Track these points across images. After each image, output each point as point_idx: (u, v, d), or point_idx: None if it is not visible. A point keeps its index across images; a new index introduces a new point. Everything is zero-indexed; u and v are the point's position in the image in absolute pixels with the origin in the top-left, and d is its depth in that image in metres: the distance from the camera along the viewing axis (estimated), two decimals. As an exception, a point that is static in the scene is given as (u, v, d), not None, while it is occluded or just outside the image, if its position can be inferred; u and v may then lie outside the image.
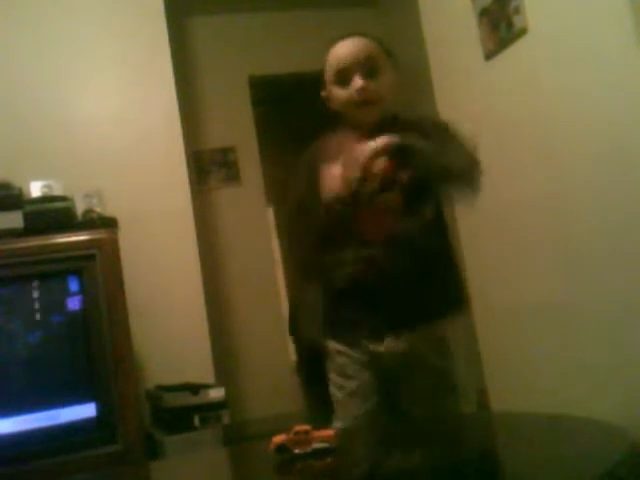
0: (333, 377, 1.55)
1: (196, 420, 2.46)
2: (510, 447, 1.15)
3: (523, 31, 2.35)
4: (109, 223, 2.55)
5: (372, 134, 1.43)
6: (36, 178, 2.71)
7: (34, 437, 2.21)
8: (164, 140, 3.06)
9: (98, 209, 2.69)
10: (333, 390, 1.55)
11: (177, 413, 2.49)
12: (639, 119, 1.95)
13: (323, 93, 1.64)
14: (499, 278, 2.68)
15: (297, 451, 1.05)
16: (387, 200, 1.45)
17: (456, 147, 1.48)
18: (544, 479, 0.93)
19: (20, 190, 2.59)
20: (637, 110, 1.95)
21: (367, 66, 1.54)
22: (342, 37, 1.60)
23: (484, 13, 2.55)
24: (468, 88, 2.74)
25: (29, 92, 2.90)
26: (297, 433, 1.05)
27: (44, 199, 2.59)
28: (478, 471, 0.98)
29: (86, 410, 2.28)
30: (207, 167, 3.92)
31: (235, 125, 3.97)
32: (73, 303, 2.34)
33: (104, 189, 2.79)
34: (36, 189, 2.69)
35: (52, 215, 2.47)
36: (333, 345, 1.54)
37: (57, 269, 2.35)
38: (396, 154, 1.39)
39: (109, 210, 2.71)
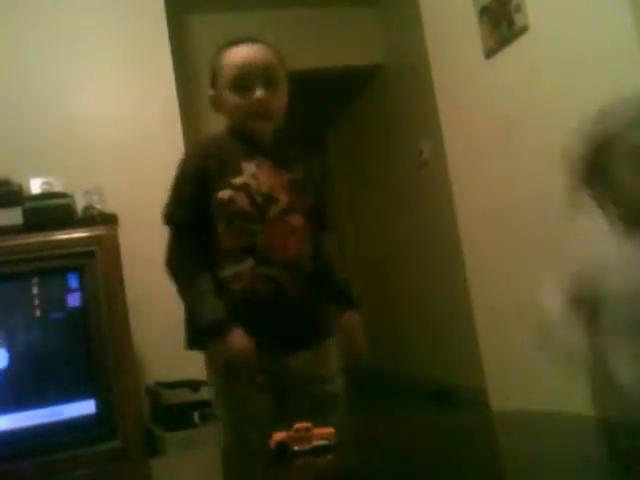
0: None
1: (196, 417, 2.47)
2: (510, 446, 1.15)
3: (524, 29, 2.35)
4: (109, 220, 2.56)
5: (260, 149, 1.48)
6: (36, 175, 2.71)
7: (34, 433, 2.21)
8: (164, 137, 3.05)
9: (98, 206, 2.69)
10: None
11: (177, 410, 2.50)
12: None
13: (210, 92, 1.56)
14: (499, 278, 2.68)
15: (297, 448, 1.05)
16: (291, 222, 1.48)
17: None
18: (544, 478, 0.93)
19: (20, 187, 2.59)
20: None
21: (267, 76, 1.48)
22: (240, 40, 1.53)
23: (485, 11, 2.55)
24: (469, 86, 2.74)
25: (29, 89, 2.90)
26: (297, 430, 1.05)
27: (44, 196, 2.60)
28: (478, 470, 0.98)
29: (86, 407, 2.28)
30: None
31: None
32: (73, 300, 2.35)
33: (104, 186, 2.79)
34: (36, 186, 2.69)
35: (52, 212, 2.48)
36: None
37: (57, 266, 2.35)
38: (295, 187, 1.47)
39: (109, 207, 2.71)
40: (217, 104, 1.55)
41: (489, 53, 2.56)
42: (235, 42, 1.53)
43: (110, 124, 2.98)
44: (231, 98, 1.49)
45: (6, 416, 2.22)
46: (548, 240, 2.37)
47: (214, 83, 1.55)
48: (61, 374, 2.32)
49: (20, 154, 2.78)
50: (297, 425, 1.05)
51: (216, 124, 4.38)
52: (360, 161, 5.27)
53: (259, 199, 1.44)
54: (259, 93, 1.46)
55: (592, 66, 2.11)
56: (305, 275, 1.50)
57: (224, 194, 1.43)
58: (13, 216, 2.43)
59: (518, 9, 2.35)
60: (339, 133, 5.66)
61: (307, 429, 1.05)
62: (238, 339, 1.39)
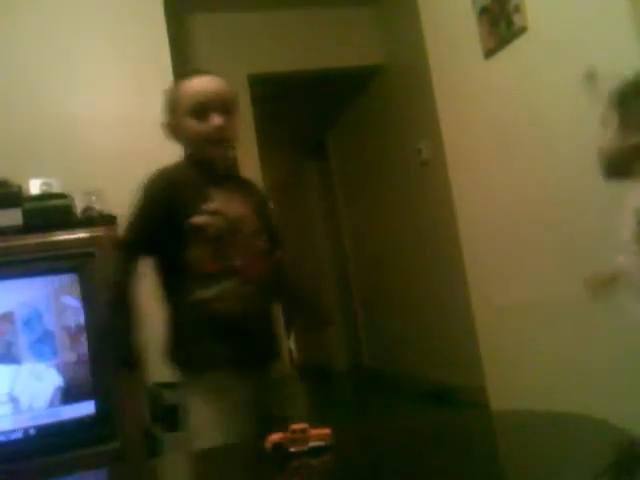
0: (202, 398, 1.51)
1: (195, 418, 2.46)
2: (509, 446, 1.15)
3: (523, 30, 2.35)
4: (108, 221, 2.55)
5: (223, 175, 1.58)
6: (35, 176, 2.71)
7: (34, 434, 2.21)
8: (164, 138, 3.04)
9: (97, 207, 2.69)
10: (199, 408, 1.52)
11: (177, 410, 2.49)
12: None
13: (166, 120, 1.63)
14: (499, 277, 2.68)
15: (293, 449, 1.05)
16: (259, 243, 1.58)
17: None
18: (543, 478, 0.93)
19: (19, 188, 2.59)
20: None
21: (225, 105, 1.57)
22: (195, 73, 1.63)
23: (484, 11, 2.55)
24: (468, 87, 2.74)
25: (28, 90, 2.90)
26: (294, 431, 1.05)
27: (43, 197, 2.60)
28: (478, 470, 0.98)
29: (86, 407, 2.28)
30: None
31: (235, 123, 3.97)
32: (72, 300, 2.35)
33: (103, 187, 2.79)
34: (35, 187, 2.69)
35: (51, 213, 2.47)
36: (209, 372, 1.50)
37: (56, 266, 2.35)
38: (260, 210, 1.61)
39: (108, 208, 2.71)
40: (174, 132, 1.63)
41: (488, 53, 2.56)
42: (191, 74, 1.63)
43: (109, 125, 2.98)
44: (190, 124, 1.56)
45: (6, 417, 2.22)
46: (548, 239, 2.37)
47: (171, 112, 1.62)
48: (61, 375, 2.32)
49: (20, 155, 2.78)
50: (293, 426, 1.05)
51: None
52: (360, 160, 5.27)
53: (232, 224, 1.52)
54: (217, 120, 1.54)
55: (591, 66, 2.10)
56: (269, 292, 1.60)
57: (199, 219, 1.49)
58: (13, 217, 2.43)
59: (517, 9, 2.35)
60: (338, 133, 5.66)
61: (303, 430, 1.05)
62: None
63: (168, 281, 1.54)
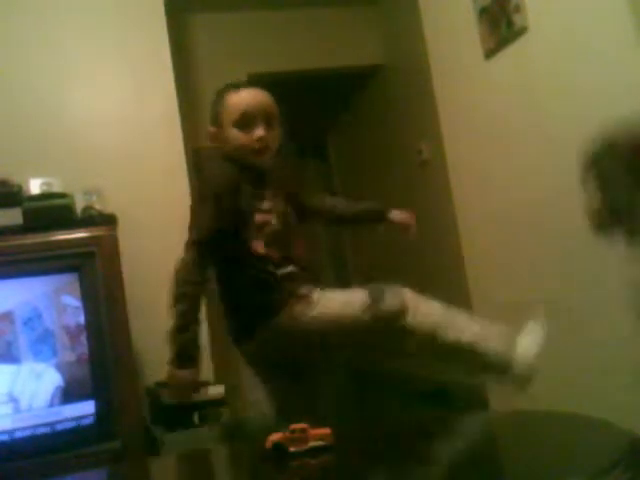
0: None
1: (196, 417, 2.47)
2: (509, 445, 1.15)
3: (523, 30, 2.35)
4: (108, 220, 2.55)
5: (266, 177, 1.70)
6: (35, 175, 2.71)
7: (34, 434, 2.21)
8: (164, 137, 3.05)
9: (97, 206, 2.69)
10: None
11: (176, 410, 2.50)
12: (639, 118, 1.95)
13: (211, 129, 1.73)
14: (499, 277, 2.68)
15: (293, 449, 1.05)
16: (297, 230, 1.73)
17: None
18: (543, 477, 0.93)
19: (19, 187, 2.59)
20: (637, 109, 1.95)
21: (268, 117, 1.69)
22: (243, 84, 1.75)
23: (484, 12, 2.55)
24: (468, 86, 2.74)
25: (29, 90, 2.90)
26: (293, 431, 1.05)
27: (43, 196, 2.59)
28: (478, 470, 0.99)
29: (85, 407, 2.28)
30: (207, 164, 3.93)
31: (235, 123, 3.97)
32: (72, 300, 2.35)
33: (104, 186, 2.79)
34: (35, 186, 2.69)
35: (51, 212, 2.47)
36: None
37: (56, 266, 2.35)
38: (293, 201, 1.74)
39: (108, 207, 2.71)
40: (218, 139, 1.72)
41: (488, 53, 2.56)
42: (238, 85, 1.73)
43: (110, 124, 2.98)
44: (234, 134, 1.67)
45: (6, 416, 2.22)
46: (548, 239, 2.38)
47: (216, 120, 1.72)
48: (60, 374, 2.32)
49: (20, 154, 2.78)
50: (293, 426, 1.05)
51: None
52: (360, 160, 5.27)
53: (282, 218, 1.67)
54: (260, 132, 1.66)
55: (591, 66, 2.11)
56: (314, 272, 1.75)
57: (260, 217, 1.63)
58: (13, 216, 2.43)
59: (517, 9, 2.35)
60: (339, 133, 5.66)
61: (303, 430, 1.05)
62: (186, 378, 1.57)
63: (230, 268, 1.64)
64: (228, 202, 1.60)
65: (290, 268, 1.63)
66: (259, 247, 1.61)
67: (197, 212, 1.62)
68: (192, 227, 1.61)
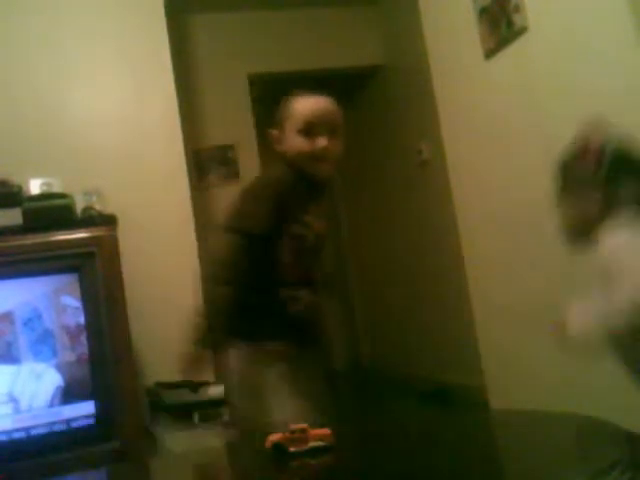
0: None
1: (195, 417, 2.47)
2: (509, 445, 1.15)
3: (523, 30, 2.35)
4: (108, 221, 2.55)
5: (318, 190, 1.69)
6: (36, 175, 2.71)
7: (34, 434, 2.21)
8: (164, 138, 3.06)
9: (97, 207, 2.69)
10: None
11: (176, 410, 2.50)
12: (639, 118, 1.95)
13: (274, 132, 1.71)
14: (498, 277, 2.68)
15: (293, 449, 1.05)
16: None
17: None
18: (543, 477, 0.93)
19: (19, 187, 2.59)
20: (637, 109, 1.95)
21: (331, 127, 1.66)
22: (310, 91, 1.73)
23: (484, 11, 2.55)
24: (468, 87, 2.74)
25: (29, 90, 2.90)
26: (293, 431, 1.05)
27: (43, 196, 2.59)
28: (478, 470, 0.98)
29: (85, 407, 2.28)
30: (207, 165, 3.93)
31: (235, 123, 3.98)
32: (72, 300, 2.35)
33: (104, 187, 2.79)
34: (35, 186, 2.69)
35: (51, 212, 2.47)
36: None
37: (56, 266, 2.35)
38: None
39: (108, 208, 2.71)
40: (280, 143, 1.70)
41: (488, 53, 2.56)
42: (306, 92, 1.73)
43: (110, 124, 2.98)
44: (297, 141, 1.65)
45: (6, 416, 2.22)
46: (548, 239, 2.37)
47: (281, 125, 1.70)
48: (60, 374, 2.32)
49: (20, 155, 2.78)
50: (293, 426, 1.05)
51: (217, 124, 4.40)
52: (360, 160, 5.27)
53: (317, 240, 1.67)
54: (323, 141, 1.64)
55: (591, 66, 2.11)
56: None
57: (296, 229, 1.62)
58: (13, 217, 2.43)
59: (517, 9, 2.35)
60: (339, 133, 5.65)
61: (303, 430, 1.05)
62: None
63: (255, 269, 1.60)
64: (282, 205, 1.60)
65: (302, 292, 1.64)
66: (286, 258, 1.62)
67: (253, 206, 1.60)
68: (243, 217, 1.60)
